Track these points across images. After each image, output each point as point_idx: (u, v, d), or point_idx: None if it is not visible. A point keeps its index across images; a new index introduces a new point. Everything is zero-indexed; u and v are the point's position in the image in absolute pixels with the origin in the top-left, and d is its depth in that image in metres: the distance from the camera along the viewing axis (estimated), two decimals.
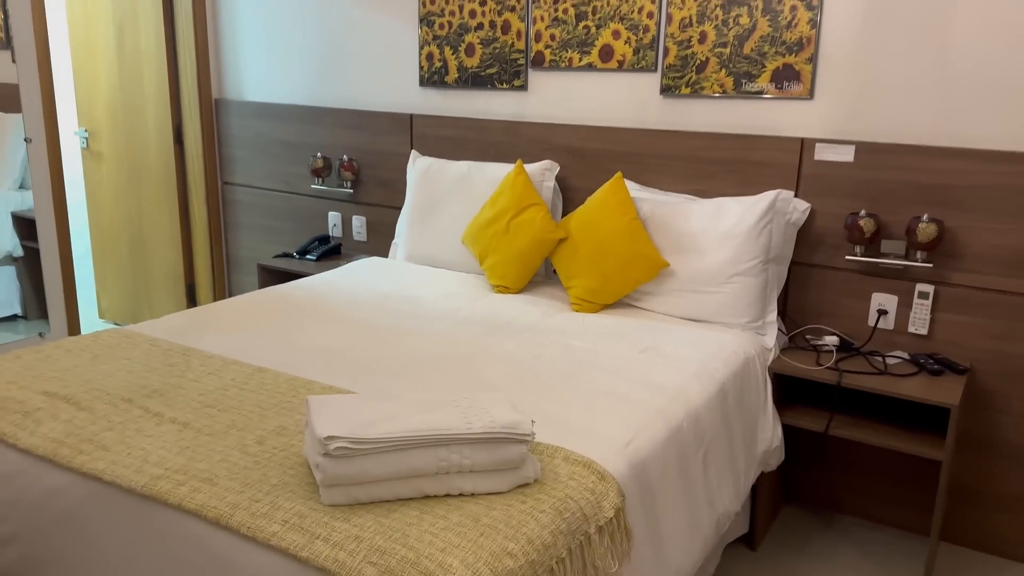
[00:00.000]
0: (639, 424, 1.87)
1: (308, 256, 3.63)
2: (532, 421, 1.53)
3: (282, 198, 3.96)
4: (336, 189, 3.70)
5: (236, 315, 2.56)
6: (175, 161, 4.16)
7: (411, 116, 3.46)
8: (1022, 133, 2.37)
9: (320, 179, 3.69)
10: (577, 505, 1.52)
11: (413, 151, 3.34)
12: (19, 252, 3.65)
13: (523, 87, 3.19)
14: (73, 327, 3.67)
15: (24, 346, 3.36)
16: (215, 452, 1.61)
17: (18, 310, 3.74)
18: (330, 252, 3.68)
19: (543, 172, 3.03)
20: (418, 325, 2.51)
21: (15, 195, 3.55)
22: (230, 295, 4.34)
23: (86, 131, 4.40)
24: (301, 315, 2.58)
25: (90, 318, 4.63)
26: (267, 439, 1.68)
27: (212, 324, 2.47)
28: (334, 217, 3.79)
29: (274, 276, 3.61)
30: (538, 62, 3.13)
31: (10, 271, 3.66)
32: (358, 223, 3.72)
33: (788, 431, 2.52)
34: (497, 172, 3.07)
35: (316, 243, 3.70)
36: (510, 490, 1.52)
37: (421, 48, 3.39)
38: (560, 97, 3.13)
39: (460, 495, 1.50)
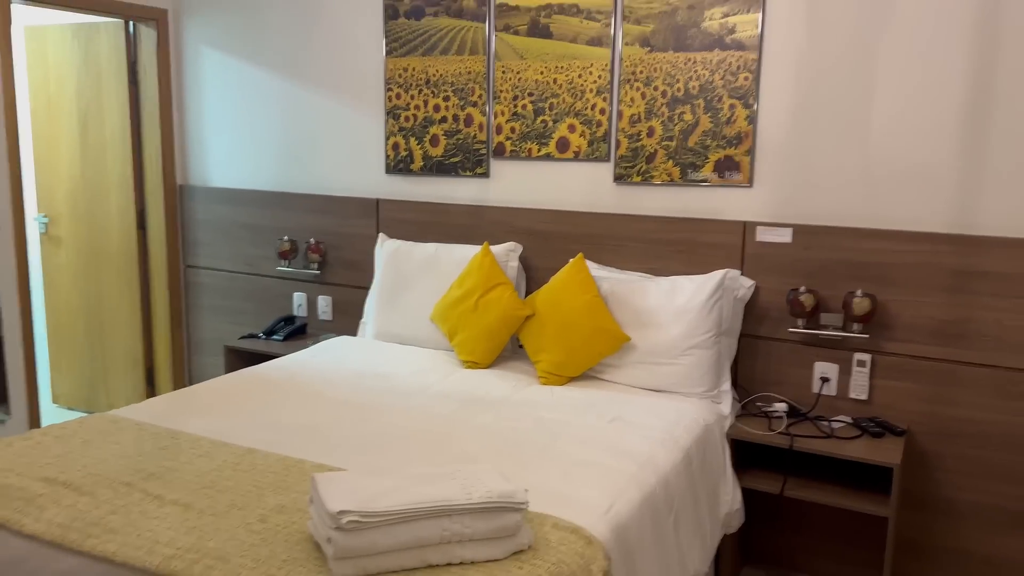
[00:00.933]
0: (616, 490, 2.01)
1: (275, 336, 3.71)
2: (526, 490, 1.66)
3: (246, 280, 4.05)
4: (302, 270, 3.81)
5: (216, 397, 2.63)
6: (137, 246, 4.22)
7: (377, 201, 3.62)
8: (936, 215, 2.67)
9: (287, 261, 3.80)
10: (569, 569, 1.63)
11: (381, 234, 3.50)
12: None
13: (485, 174, 3.40)
14: (34, 414, 3.63)
15: None
16: (222, 531, 1.68)
17: None
18: (296, 332, 3.76)
19: (507, 253, 3.22)
20: (395, 401, 2.61)
21: None
22: (190, 379, 4.35)
23: (45, 217, 4.43)
24: (279, 395, 2.66)
25: (44, 404, 4.55)
26: (269, 517, 1.76)
27: (194, 407, 2.53)
28: (299, 297, 3.89)
29: (241, 357, 3.67)
30: (499, 152, 3.35)
31: None
32: (324, 303, 3.82)
33: (746, 493, 2.68)
34: (464, 253, 3.24)
35: (282, 323, 3.78)
36: (506, 557, 1.63)
37: (387, 138, 3.59)
38: (521, 183, 3.35)
39: (461, 563, 1.61)
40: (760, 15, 2.81)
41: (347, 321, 3.76)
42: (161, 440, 2.21)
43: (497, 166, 3.39)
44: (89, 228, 4.32)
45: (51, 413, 4.44)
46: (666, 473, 2.21)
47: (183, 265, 4.26)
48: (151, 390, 4.36)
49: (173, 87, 4.14)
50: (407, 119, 3.53)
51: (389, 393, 2.70)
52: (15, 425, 3.57)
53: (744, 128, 2.90)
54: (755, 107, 2.87)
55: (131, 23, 4.04)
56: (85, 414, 4.46)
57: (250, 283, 4.04)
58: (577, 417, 2.51)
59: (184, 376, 4.35)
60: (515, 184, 3.37)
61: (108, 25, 4.06)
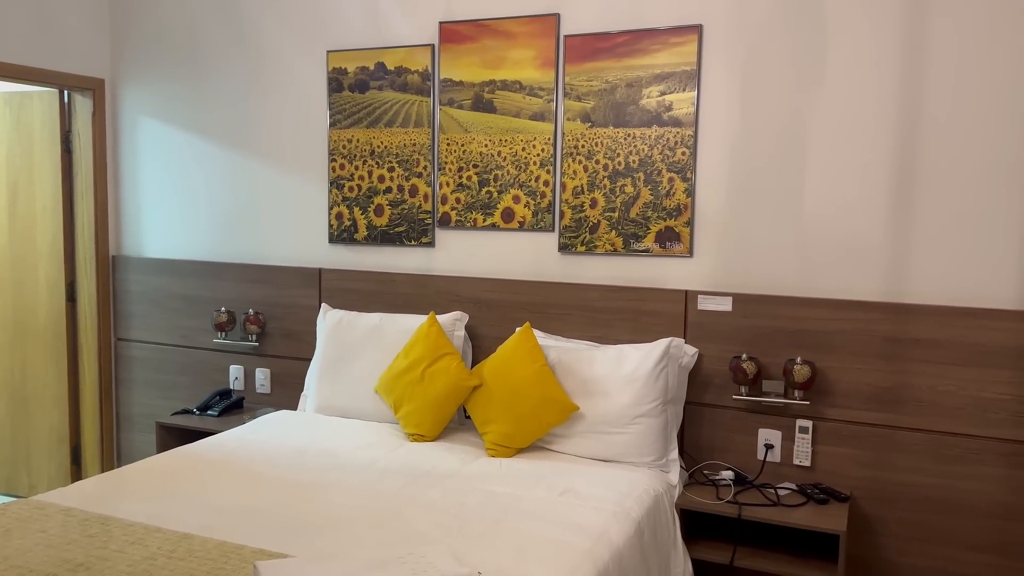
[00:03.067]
0: (570, 568, 1.97)
1: (210, 412, 3.58)
2: (479, 573, 1.61)
3: (180, 352, 3.92)
4: (239, 342, 3.71)
5: (149, 478, 2.51)
6: (66, 318, 4.06)
7: (320, 270, 3.58)
8: (869, 284, 2.78)
9: (223, 333, 3.70)
10: None
11: (324, 304, 3.45)
12: None
13: (431, 244, 3.41)
14: None
15: None
16: None
17: None
18: (232, 407, 3.64)
19: (454, 322, 3.20)
20: (339, 478, 2.53)
21: None
22: (119, 456, 4.15)
23: None
24: (216, 475, 2.55)
25: None
26: None
27: (125, 489, 2.40)
28: (236, 370, 3.78)
29: (173, 435, 3.52)
30: (444, 222, 3.37)
31: None
32: (262, 375, 3.72)
33: (697, 564, 2.66)
34: (409, 323, 3.22)
35: (218, 397, 3.65)
36: None
37: (331, 208, 3.58)
38: (466, 253, 3.37)
39: None
40: (695, 93, 2.94)
41: (286, 394, 3.66)
42: (90, 527, 2.08)
43: (442, 236, 3.40)
44: (15, 301, 4.14)
45: None
46: (619, 548, 2.18)
47: (114, 338, 4.11)
48: (77, 470, 4.13)
49: (108, 156, 4.06)
50: (351, 189, 3.53)
51: (333, 470, 2.61)
52: None
53: (683, 200, 2.98)
54: (693, 180, 2.97)
55: (66, 92, 3.97)
56: (5, 497, 4.20)
57: (185, 356, 3.91)
58: (528, 490, 2.47)
59: (113, 455, 4.15)
60: (461, 253, 3.38)
61: (42, 94, 3.98)
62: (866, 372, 2.75)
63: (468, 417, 3.03)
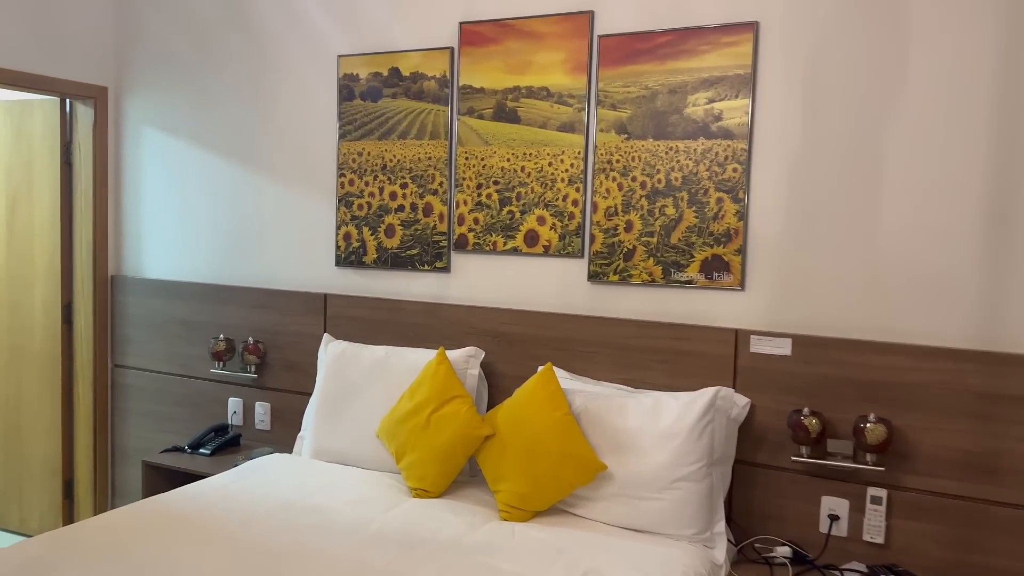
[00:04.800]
0: None
1: (202, 450, 3.25)
2: None
3: (179, 382, 3.61)
4: (238, 373, 3.38)
5: (105, 539, 2.16)
6: (62, 341, 3.79)
7: (325, 296, 3.24)
8: (958, 329, 2.32)
9: (221, 362, 3.38)
10: None
11: (326, 334, 3.10)
12: None
13: (446, 269, 3.04)
14: None
15: None
16: None
17: None
18: (228, 444, 3.30)
19: (467, 359, 2.82)
20: (322, 546, 2.16)
21: None
22: (113, 492, 3.85)
23: None
24: (184, 538, 2.19)
25: None
26: None
27: (75, 553, 2.06)
28: (235, 404, 3.45)
29: (162, 474, 3.19)
30: (461, 245, 3.00)
31: None
32: (261, 410, 3.38)
33: None
34: (417, 358, 2.84)
35: (212, 434, 3.33)
36: None
37: (338, 228, 3.24)
38: (484, 280, 2.99)
39: None
40: (750, 101, 2.52)
41: (287, 431, 3.31)
42: None
43: (458, 260, 3.03)
44: (11, 321, 3.89)
45: None
46: None
47: (111, 364, 3.82)
48: (69, 505, 3.84)
49: (110, 168, 3.80)
50: (360, 207, 3.18)
51: (317, 534, 2.24)
52: None
53: (734, 224, 2.56)
54: (746, 201, 2.55)
55: (67, 101, 3.73)
56: None
57: (183, 386, 3.60)
58: (541, 570, 2.06)
59: (107, 490, 3.85)
60: (478, 280, 3.00)
61: (43, 103, 3.74)
62: (954, 434, 2.28)
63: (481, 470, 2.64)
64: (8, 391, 3.92)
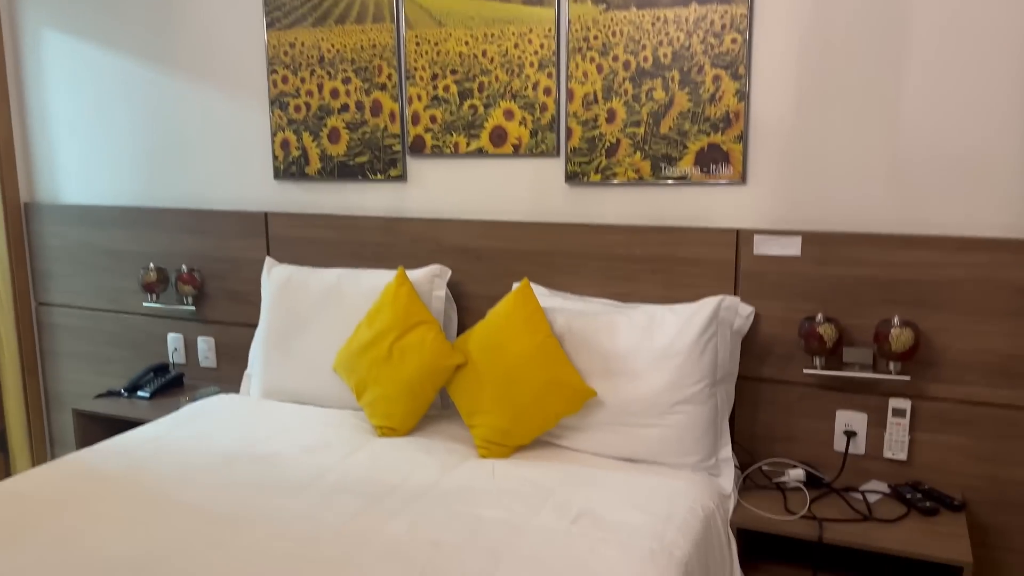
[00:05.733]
0: None
1: (140, 393, 2.90)
2: None
3: (111, 319, 3.22)
4: (175, 306, 3.00)
5: (13, 509, 1.83)
6: None
7: (266, 215, 2.84)
8: (994, 216, 2.01)
9: (154, 295, 2.99)
10: None
11: (268, 258, 2.72)
12: None
13: (401, 177, 2.65)
14: None
15: None
16: None
17: None
18: (169, 385, 2.96)
19: (432, 279, 2.47)
20: (271, 505, 1.85)
21: None
22: (51, 442, 3.50)
23: None
24: (108, 502, 1.87)
25: None
26: None
27: None
28: (174, 340, 3.08)
29: (98, 423, 2.85)
30: (418, 148, 2.60)
31: None
32: (205, 346, 3.02)
33: None
34: (374, 282, 2.49)
35: (151, 375, 2.97)
36: None
37: (274, 135, 2.81)
38: (447, 188, 2.61)
39: None
40: None
41: (235, 368, 2.96)
42: None
43: (416, 166, 2.64)
44: None
45: None
46: None
47: (34, 302, 3.41)
48: (4, 458, 3.49)
49: (10, 81, 3.29)
50: (297, 109, 2.75)
51: (265, 490, 1.92)
52: None
53: (733, 106, 2.20)
54: (747, 79, 2.18)
55: None
56: None
57: (116, 323, 3.22)
58: (529, 515, 1.78)
59: (44, 440, 3.50)
60: (439, 189, 2.63)
61: None
62: (988, 335, 2.01)
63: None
64: None
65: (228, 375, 2.98)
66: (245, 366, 2.88)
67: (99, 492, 1.92)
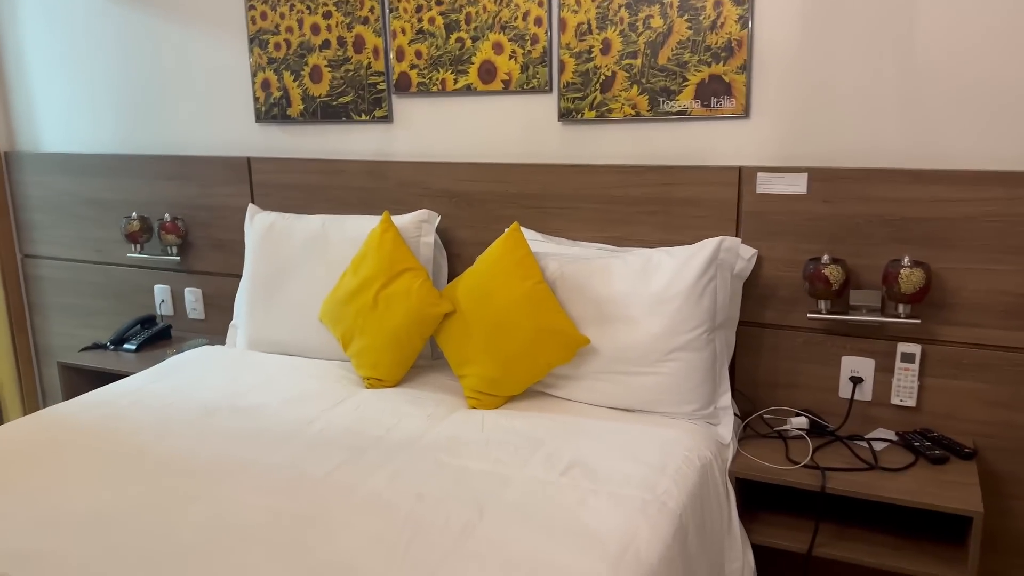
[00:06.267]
0: None
1: (126, 345, 2.83)
2: None
3: (96, 270, 3.14)
4: (159, 256, 2.91)
5: None
6: None
7: (248, 159, 2.73)
8: (1010, 148, 1.88)
9: (138, 245, 2.90)
10: None
11: (251, 205, 2.62)
12: None
13: (387, 118, 2.53)
14: None
15: None
16: None
17: None
18: (157, 337, 2.88)
19: (419, 225, 2.37)
20: (250, 457, 1.78)
21: None
22: (43, 396, 3.45)
23: None
24: (81, 456, 1.80)
25: None
26: None
27: None
28: (161, 291, 3.00)
29: (85, 377, 2.79)
30: (403, 86, 2.47)
31: None
32: (192, 297, 2.94)
33: (760, 551, 1.91)
34: (359, 228, 2.39)
35: (138, 327, 2.90)
36: None
37: (254, 75, 2.68)
38: (434, 129, 2.49)
39: None
40: None
41: (224, 319, 2.88)
42: None
43: (401, 106, 2.52)
44: None
45: None
46: (653, 567, 1.42)
47: (19, 254, 3.33)
48: None
49: None
50: (277, 47, 2.62)
51: (245, 442, 1.86)
52: None
53: (736, 34, 2.06)
54: (750, 3, 2.04)
55: None
56: None
57: (102, 274, 3.13)
58: (517, 466, 1.71)
59: (36, 394, 3.45)
60: (426, 129, 2.50)
61: None
62: (1005, 274, 1.90)
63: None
64: None
65: (217, 327, 2.91)
66: (228, 316, 2.80)
67: (72, 445, 1.85)
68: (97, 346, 2.89)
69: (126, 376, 2.58)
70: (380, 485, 1.64)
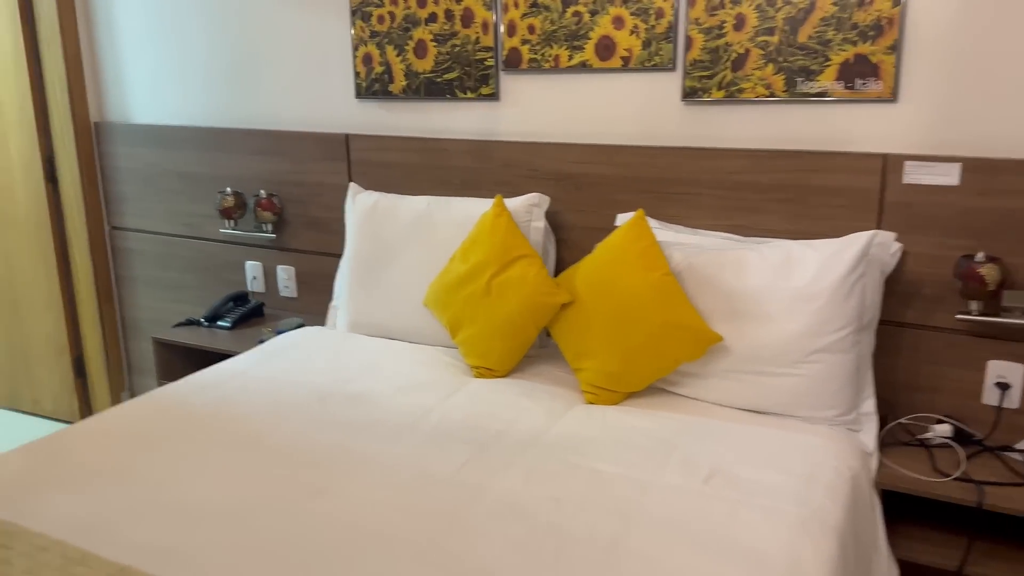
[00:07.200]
0: None
1: (221, 323, 2.79)
2: None
3: (186, 245, 3.11)
4: (253, 233, 2.87)
5: (100, 449, 1.73)
6: (48, 203, 3.27)
7: (347, 136, 2.65)
8: None
9: (232, 221, 2.86)
10: None
11: (352, 184, 2.54)
12: None
13: (494, 96, 2.42)
14: None
15: None
16: None
17: None
18: (249, 315, 2.85)
19: (530, 209, 2.27)
20: (371, 450, 1.71)
21: None
22: (129, 369, 3.46)
23: None
24: (197, 442, 1.76)
25: None
26: None
27: (61, 468, 1.64)
28: (253, 268, 2.96)
29: (177, 353, 2.77)
30: (513, 62, 2.36)
31: None
32: (284, 275, 2.89)
33: (904, 567, 1.80)
34: (467, 210, 2.30)
35: (231, 304, 2.86)
36: None
37: (356, 49, 2.59)
38: (545, 108, 2.38)
39: None
40: None
41: (316, 298, 2.84)
42: None
43: (510, 83, 2.41)
44: None
45: None
46: None
47: (107, 226, 3.32)
48: (83, 384, 3.47)
49: None
50: (381, 19, 2.52)
51: (363, 433, 1.79)
52: None
53: (887, 11, 1.91)
54: None
55: None
56: (9, 412, 3.61)
57: (193, 249, 3.11)
58: (653, 472, 1.61)
59: (121, 366, 3.46)
60: (536, 108, 2.39)
61: None
62: None
63: (550, 336, 2.16)
64: None
65: (309, 306, 2.86)
66: (326, 296, 2.75)
67: (190, 429, 1.81)
68: (190, 322, 2.86)
69: (221, 354, 2.56)
70: (512, 486, 1.56)
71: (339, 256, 2.70)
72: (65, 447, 1.75)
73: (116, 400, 3.42)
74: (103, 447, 1.75)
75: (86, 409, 3.48)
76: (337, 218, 2.72)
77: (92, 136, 3.23)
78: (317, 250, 2.81)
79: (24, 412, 3.60)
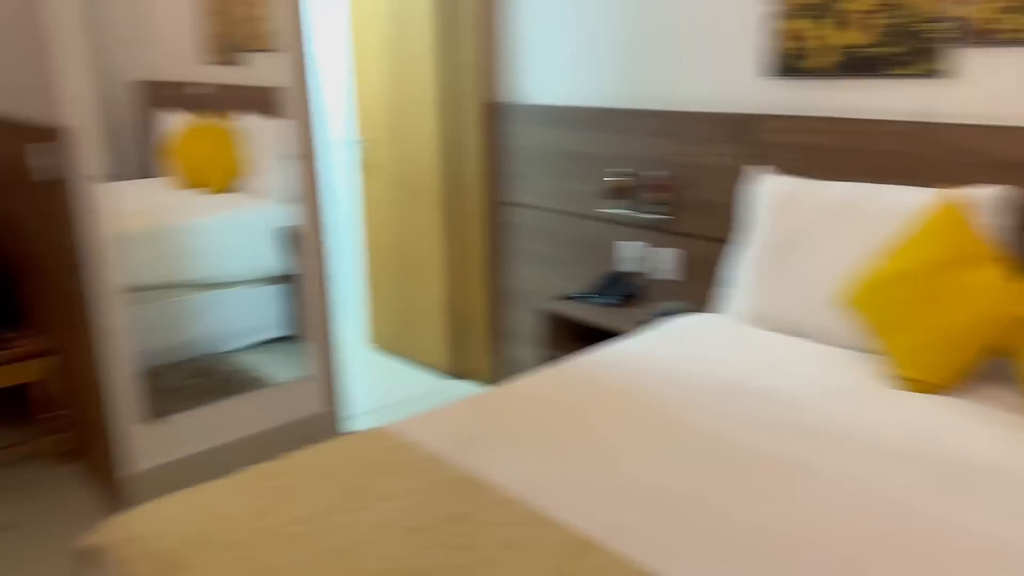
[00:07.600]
0: None
1: (602, 299, 2.84)
2: None
3: (569, 222, 3.22)
4: (640, 215, 2.87)
5: (528, 414, 1.82)
6: (449, 176, 3.60)
7: (749, 117, 2.52)
8: None
9: (620, 200, 2.88)
10: None
11: (759, 168, 2.41)
12: (288, 270, 3.14)
13: (938, 73, 2.13)
14: (324, 356, 3.19)
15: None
16: None
17: (283, 331, 3.26)
18: (631, 295, 2.87)
19: (992, 203, 1.96)
20: (804, 455, 1.59)
21: (277, 209, 3.07)
22: (508, 336, 3.70)
23: (363, 140, 3.99)
24: (616, 420, 1.77)
25: (357, 344, 4.26)
26: None
27: (501, 428, 1.75)
28: (632, 248, 2.97)
29: (557, 324, 2.88)
30: (976, 34, 2.05)
31: (272, 291, 3.20)
32: (669, 258, 2.86)
33: None
34: (903, 199, 2.06)
35: (610, 282, 2.90)
36: None
37: (770, 22, 2.44)
38: (1012, 87, 2.03)
39: None
40: None
41: (697, 285, 2.77)
42: (453, 501, 1.44)
43: (969, 59, 2.09)
44: (403, 155, 3.79)
45: (359, 353, 4.13)
46: None
47: (497, 200, 3.56)
48: (462, 342, 3.79)
49: None
50: None
51: (787, 433, 1.68)
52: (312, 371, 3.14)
53: None
54: None
55: None
56: (394, 359, 4.08)
57: (572, 226, 3.21)
58: None
59: (502, 331, 3.70)
60: (1001, 88, 2.05)
61: None
62: None
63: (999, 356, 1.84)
64: (402, 226, 3.89)
65: (693, 292, 2.79)
66: (707, 282, 2.67)
67: (605, 406, 1.84)
68: (574, 296, 2.95)
69: (606, 330, 2.60)
70: (997, 531, 1.34)
71: (725, 242, 2.60)
72: (499, 407, 1.85)
73: (491, 361, 3.67)
74: (529, 412, 1.83)
75: (462, 364, 3.78)
76: (726, 202, 2.61)
77: (492, 116, 3.47)
78: (703, 234, 2.73)
79: (408, 360, 4.03)
